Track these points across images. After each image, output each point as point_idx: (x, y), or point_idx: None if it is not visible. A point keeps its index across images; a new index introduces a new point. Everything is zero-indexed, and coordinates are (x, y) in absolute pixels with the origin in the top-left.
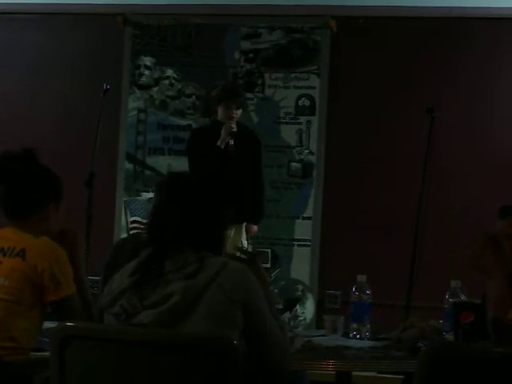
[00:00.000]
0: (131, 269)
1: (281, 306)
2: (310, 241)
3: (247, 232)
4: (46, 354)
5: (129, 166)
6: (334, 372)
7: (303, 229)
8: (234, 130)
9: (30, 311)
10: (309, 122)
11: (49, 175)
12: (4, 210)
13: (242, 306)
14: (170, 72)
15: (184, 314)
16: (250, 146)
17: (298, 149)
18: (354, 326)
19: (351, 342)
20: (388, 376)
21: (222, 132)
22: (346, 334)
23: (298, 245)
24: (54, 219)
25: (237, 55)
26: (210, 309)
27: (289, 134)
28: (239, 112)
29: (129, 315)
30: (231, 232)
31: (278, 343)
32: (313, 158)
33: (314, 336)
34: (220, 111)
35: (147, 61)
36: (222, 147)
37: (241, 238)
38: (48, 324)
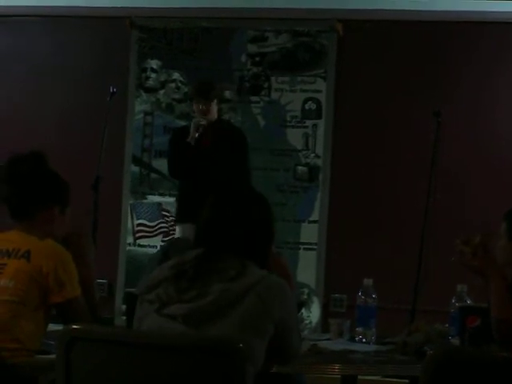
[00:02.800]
0: (172, 263)
1: None
2: (316, 244)
3: None
4: (52, 356)
5: (135, 168)
6: (339, 376)
7: (309, 232)
8: (202, 123)
9: (34, 313)
10: (315, 125)
11: (56, 178)
12: (9, 208)
13: (275, 321)
14: (176, 75)
15: (215, 316)
16: (231, 142)
17: (304, 152)
18: (360, 329)
19: (357, 346)
20: (393, 380)
21: (191, 128)
22: (351, 338)
23: (303, 248)
24: (59, 223)
25: (243, 58)
26: (244, 317)
27: (295, 137)
28: (212, 105)
29: (163, 304)
30: None
31: (295, 355)
32: (319, 162)
33: (319, 340)
34: (194, 109)
35: (154, 64)
36: (192, 143)
37: None
38: (53, 327)
